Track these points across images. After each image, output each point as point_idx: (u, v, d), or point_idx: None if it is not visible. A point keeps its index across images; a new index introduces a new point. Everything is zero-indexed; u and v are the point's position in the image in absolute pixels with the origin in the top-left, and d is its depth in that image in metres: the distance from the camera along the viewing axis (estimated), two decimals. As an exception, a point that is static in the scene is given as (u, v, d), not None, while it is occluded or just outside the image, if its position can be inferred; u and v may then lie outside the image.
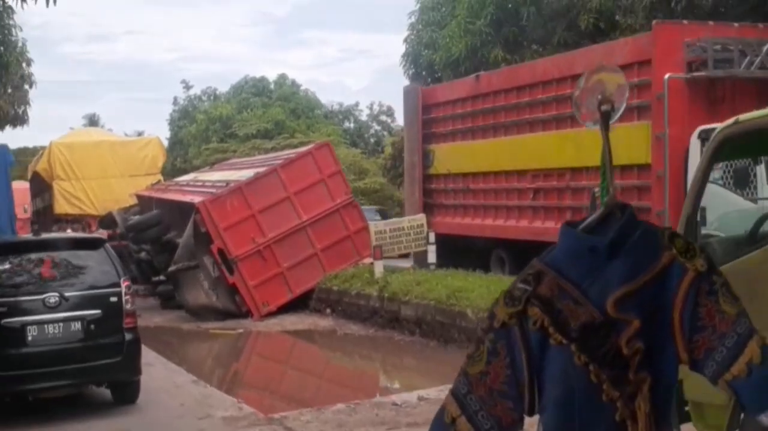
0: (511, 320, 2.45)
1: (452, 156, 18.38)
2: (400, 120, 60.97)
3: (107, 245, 10.74)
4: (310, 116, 56.36)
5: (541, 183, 15.86)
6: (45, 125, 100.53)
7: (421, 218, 18.16)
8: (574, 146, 14.76)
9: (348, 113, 62.12)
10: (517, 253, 17.04)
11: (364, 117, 61.93)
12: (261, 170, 19.83)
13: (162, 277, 24.00)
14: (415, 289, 15.80)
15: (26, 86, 28.53)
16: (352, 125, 60.93)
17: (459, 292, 14.50)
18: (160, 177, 28.78)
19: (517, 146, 16.39)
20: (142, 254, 23.95)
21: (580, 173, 14.80)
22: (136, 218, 22.46)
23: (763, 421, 2.33)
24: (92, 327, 9.57)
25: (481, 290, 14.39)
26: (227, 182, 19.94)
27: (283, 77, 57.93)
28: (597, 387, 2.35)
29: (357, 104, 62.12)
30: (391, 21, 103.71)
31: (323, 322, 18.04)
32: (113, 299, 9.82)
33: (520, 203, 16.53)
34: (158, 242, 21.84)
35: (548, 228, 15.09)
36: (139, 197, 25.64)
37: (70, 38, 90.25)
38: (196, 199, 19.58)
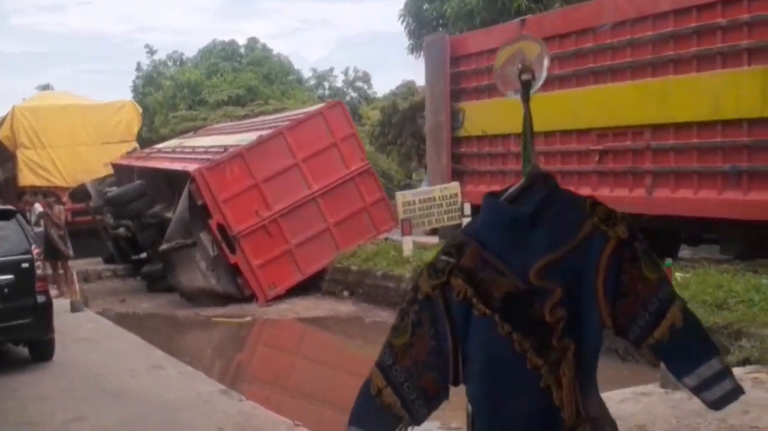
0: (434, 292, 2.47)
1: (489, 115, 15.92)
2: (377, 86, 58.45)
3: (18, 215, 11.33)
4: (284, 82, 53.57)
5: (610, 144, 13.47)
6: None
7: (454, 186, 15.76)
8: (657, 99, 12.40)
9: (322, 78, 59.32)
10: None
11: (339, 83, 59.20)
12: (264, 132, 17.25)
13: (143, 255, 21.60)
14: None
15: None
16: (326, 92, 58.14)
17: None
18: (135, 145, 26.11)
19: (578, 101, 13.97)
20: (121, 230, 21.43)
21: (666, 131, 12.44)
22: (116, 189, 19.82)
23: (687, 383, 2.42)
24: (6, 290, 10.27)
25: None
26: (225, 147, 17.36)
27: (253, 41, 54.93)
28: (521, 356, 2.38)
29: (331, 70, 59.32)
30: None
31: (343, 307, 15.63)
32: (25, 265, 10.54)
33: (580, 167, 14.15)
34: (142, 217, 19.25)
35: (619, 197, 12.73)
36: (116, 166, 22.99)
37: (20, 10, 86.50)
38: (191, 166, 17.00)
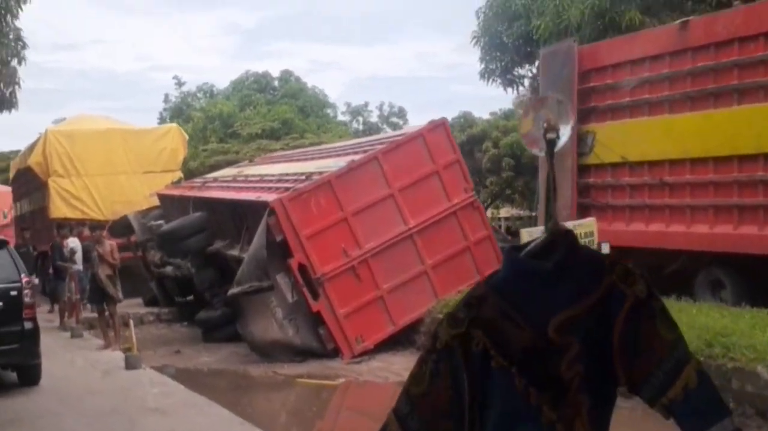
0: (454, 342, 2.46)
1: (630, 138, 13.27)
2: (412, 121, 56.03)
3: (9, 245, 11.90)
4: (320, 115, 51.31)
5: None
6: (12, 134, 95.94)
7: (589, 223, 12.99)
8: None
9: (356, 113, 56.99)
10: (745, 273, 12.00)
11: (373, 118, 56.86)
12: (354, 158, 14.61)
13: (190, 298, 19.00)
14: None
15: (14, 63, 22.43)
16: (361, 127, 55.77)
17: (723, 335, 9.43)
18: (180, 175, 23.53)
19: (751, 120, 11.35)
20: (168, 269, 18.80)
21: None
22: (170, 223, 17.11)
23: None
24: None
25: (754, 332, 9.43)
26: (307, 175, 14.70)
27: (287, 73, 52.76)
28: (537, 409, 2.38)
29: (366, 105, 57.00)
30: (359, 33, 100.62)
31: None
32: (13, 293, 11.16)
33: (750, 201, 11.50)
34: (200, 255, 16.59)
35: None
36: (162, 197, 20.37)
37: (35, 46, 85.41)
38: (268, 196, 14.35)
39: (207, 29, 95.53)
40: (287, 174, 15.95)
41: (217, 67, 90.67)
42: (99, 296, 14.55)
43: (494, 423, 2.45)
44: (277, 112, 48.04)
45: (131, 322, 13.71)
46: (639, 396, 2.44)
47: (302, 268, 13.78)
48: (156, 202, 20.86)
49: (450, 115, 38.70)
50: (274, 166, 18.87)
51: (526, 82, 26.41)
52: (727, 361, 9.07)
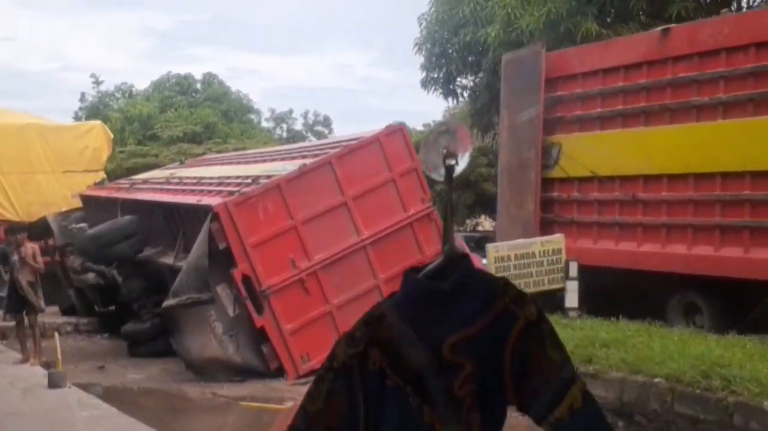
0: (351, 361, 2.50)
1: (599, 151, 12.60)
2: (338, 131, 55.01)
3: None
4: (244, 121, 49.92)
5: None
6: None
7: (557, 240, 12.29)
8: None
9: (280, 120, 55.70)
10: (723, 298, 11.38)
11: (298, 126, 55.65)
12: (306, 161, 13.56)
13: (112, 308, 17.66)
14: (601, 352, 9.94)
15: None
16: (285, 134, 54.50)
17: (720, 365, 8.72)
18: (103, 175, 22.08)
19: (737, 136, 10.77)
20: (90, 276, 17.34)
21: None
22: (99, 227, 15.75)
23: None
24: None
25: (754, 364, 8.76)
26: (254, 178, 13.59)
27: (210, 76, 51.24)
28: (430, 428, 2.44)
29: (290, 112, 55.76)
30: (278, 43, 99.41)
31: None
32: None
33: (735, 221, 10.91)
34: (129, 262, 15.31)
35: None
36: (85, 198, 18.93)
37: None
38: (210, 200, 13.18)
39: (122, 31, 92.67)
40: (228, 177, 14.81)
41: (131, 69, 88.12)
42: (18, 305, 13.15)
43: None
44: (199, 115, 46.54)
45: (56, 335, 12.35)
46: (528, 415, 2.50)
47: (246, 279, 12.67)
48: (78, 203, 19.37)
49: (378, 126, 37.94)
50: (210, 168, 17.66)
51: (466, 93, 25.86)
52: (728, 394, 8.35)
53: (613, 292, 12.43)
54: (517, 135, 13.90)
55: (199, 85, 51.32)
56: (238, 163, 17.21)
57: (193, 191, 14.89)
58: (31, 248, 13.25)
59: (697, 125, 11.33)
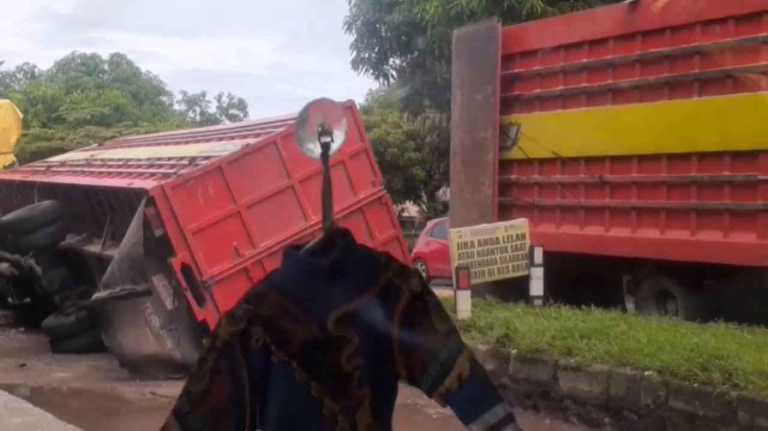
0: (233, 340, 2.50)
1: (562, 131, 11.94)
2: (253, 114, 53.64)
3: None
4: (155, 103, 48.26)
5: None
6: None
7: (521, 224, 11.63)
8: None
9: (193, 103, 54.17)
10: (699, 284, 10.92)
11: (212, 109, 54.21)
12: (249, 141, 12.56)
13: (27, 300, 16.39)
14: (581, 344, 9.32)
15: None
16: (198, 118, 52.97)
17: (719, 357, 8.17)
18: (13, 158, 20.56)
19: (715, 113, 10.25)
20: (2, 266, 15.98)
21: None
22: (16, 213, 14.44)
23: (473, 429, 2.50)
24: None
25: (758, 355, 8.24)
26: (189, 159, 12.54)
27: (119, 56, 49.37)
28: (318, 403, 2.47)
29: (204, 94, 54.24)
30: (181, 27, 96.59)
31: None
32: None
33: (713, 204, 10.42)
34: (49, 251, 14.06)
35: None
36: (-5, 182, 17.47)
37: None
38: (144, 183, 12.09)
39: (17, 13, 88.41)
40: (160, 158, 13.69)
41: (28, 52, 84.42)
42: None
43: (276, 418, 2.51)
44: (107, 97, 44.86)
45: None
46: (418, 387, 2.55)
47: (186, 269, 11.65)
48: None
49: (295, 108, 36.89)
50: (135, 149, 16.44)
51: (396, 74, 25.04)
52: (730, 388, 7.78)
53: (579, 279, 11.86)
54: (471, 115, 13.16)
55: (106, 66, 49.45)
56: (168, 143, 16.05)
57: (120, 173, 13.74)
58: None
59: (670, 103, 10.77)
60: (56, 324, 14.04)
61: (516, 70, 12.79)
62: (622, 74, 11.35)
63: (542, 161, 12.39)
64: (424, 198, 33.26)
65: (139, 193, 11.81)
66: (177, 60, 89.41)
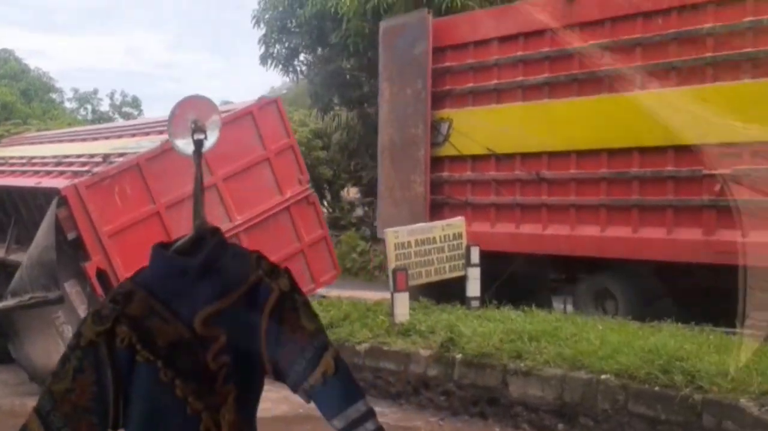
0: (98, 338, 2.50)
1: (496, 126, 11.57)
2: (148, 112, 52.07)
3: None
4: (45, 100, 46.30)
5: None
6: None
7: (458, 224, 11.21)
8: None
9: (84, 100, 52.23)
10: (639, 282, 10.71)
11: (104, 107, 52.37)
12: (164, 137, 11.78)
13: None
14: (530, 347, 8.96)
15: None
16: (90, 116, 51.08)
17: (678, 359, 7.91)
18: None
19: (658, 107, 10.03)
20: None
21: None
22: None
23: (335, 425, 2.57)
24: None
25: (719, 356, 8.02)
26: (103, 156, 11.70)
27: (7, 52, 47.17)
28: (182, 401, 2.48)
29: (95, 92, 52.34)
30: (65, 23, 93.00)
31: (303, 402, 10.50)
32: None
33: (656, 200, 10.22)
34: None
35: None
36: None
37: None
38: (54, 182, 11.21)
39: None
40: (68, 156, 12.76)
41: None
42: None
43: (141, 417, 2.51)
44: (-6, 94, 42.68)
45: None
46: (283, 382, 2.58)
47: (101, 274, 10.83)
48: None
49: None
50: (38, 147, 15.36)
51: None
52: (693, 391, 7.52)
53: (512, 279, 11.53)
54: (400, 110, 12.69)
55: (-7, 62, 47.19)
56: (74, 140, 15.03)
57: (25, 172, 12.76)
58: None
59: (610, 97, 10.52)
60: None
61: (447, 64, 12.39)
62: (559, 67, 11.07)
63: (476, 158, 12.03)
64: (329, 197, 32.75)
65: (50, 193, 10.92)
66: (63, 58, 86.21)
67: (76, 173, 11.37)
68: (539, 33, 11.25)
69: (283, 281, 2.57)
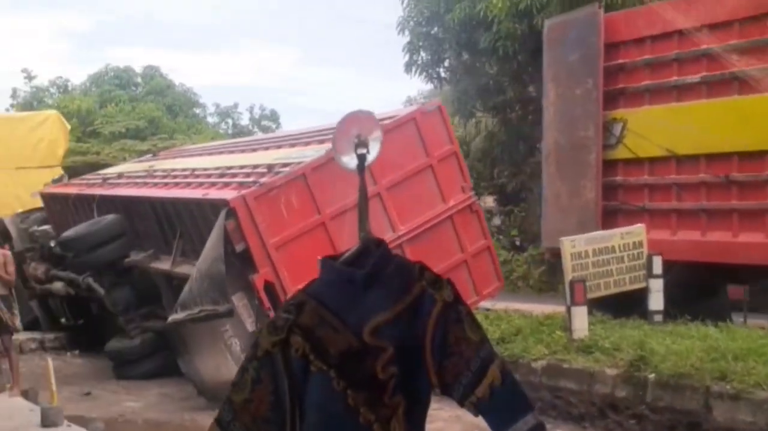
0: (274, 349, 2.55)
1: (676, 126, 10.85)
2: (286, 125, 52.78)
3: None
4: (189, 115, 47.41)
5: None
6: None
7: (638, 231, 10.53)
8: None
9: (225, 114, 53.31)
10: None
11: (244, 121, 53.31)
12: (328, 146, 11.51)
13: (81, 321, 15.55)
14: (736, 367, 8.18)
15: None
16: (230, 130, 52.06)
17: None
18: (61, 171, 19.65)
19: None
20: (57, 285, 15.11)
21: None
22: (78, 228, 13.46)
23: None
24: None
25: None
26: (268, 167, 11.53)
27: (152, 68, 48.57)
28: (355, 411, 2.48)
29: (236, 106, 53.34)
30: (189, 40, 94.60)
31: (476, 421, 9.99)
32: None
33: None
34: (114, 268, 13.11)
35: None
36: (48, 197, 16.57)
37: None
38: (222, 193, 11.09)
39: (39, 33, 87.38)
40: (231, 167, 12.67)
41: (48, 74, 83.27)
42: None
43: (315, 427, 2.53)
44: (142, 110, 43.98)
45: (49, 360, 10.05)
46: (450, 396, 2.56)
47: (269, 287, 10.62)
48: (36, 203, 17.00)
49: (319, 120, 35.97)
50: (198, 159, 15.42)
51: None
52: None
53: (697, 291, 10.73)
54: (568, 111, 12.07)
55: (139, 79, 48.72)
56: (233, 152, 15.02)
57: (189, 183, 12.74)
58: (1, 255, 10.97)
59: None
60: (121, 347, 13.09)
61: (621, 61, 11.72)
62: (751, 60, 10.21)
63: (654, 160, 11.29)
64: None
65: (217, 204, 10.81)
66: (195, 76, 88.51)
67: (241, 184, 11.22)
68: (726, 24, 10.43)
69: (447, 292, 2.56)
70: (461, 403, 2.53)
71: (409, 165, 11.58)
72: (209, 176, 12.64)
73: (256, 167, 11.95)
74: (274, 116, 53.74)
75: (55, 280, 15.20)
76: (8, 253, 11.16)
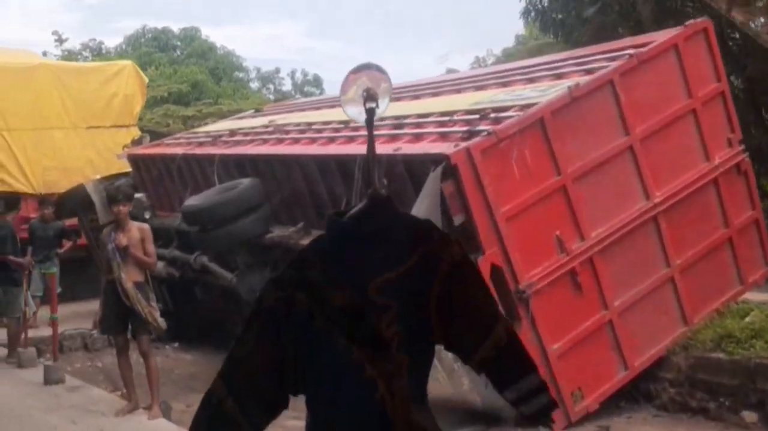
0: (278, 304, 2.56)
1: None
2: (329, 90, 49.89)
3: None
4: (233, 79, 44.62)
5: None
6: None
7: None
8: None
9: (267, 80, 50.56)
10: None
11: (287, 86, 50.57)
12: (576, 81, 8.50)
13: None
14: None
15: None
16: (272, 96, 49.24)
17: None
18: (138, 131, 16.76)
19: None
20: (158, 267, 12.18)
21: None
22: (206, 195, 10.55)
23: (507, 397, 2.63)
24: None
25: None
26: (480, 113, 8.54)
27: (192, 30, 45.72)
28: (358, 367, 2.49)
29: (277, 71, 50.54)
30: (209, 14, 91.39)
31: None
32: None
33: None
34: (252, 246, 10.28)
35: None
36: (139, 158, 13.75)
37: None
38: (435, 146, 8.13)
39: (46, 5, 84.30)
40: (419, 115, 9.59)
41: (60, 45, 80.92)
42: (120, 319, 8.02)
43: (318, 381, 2.56)
44: (184, 73, 41.11)
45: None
46: (455, 353, 2.65)
47: (495, 272, 7.76)
48: (122, 167, 14.14)
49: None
50: (333, 111, 12.37)
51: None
52: None
53: None
54: None
55: (178, 42, 45.94)
56: (402, 99, 11.72)
57: (353, 138, 9.73)
58: (137, 229, 8.10)
59: None
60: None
61: None
62: None
63: None
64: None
65: (425, 160, 7.90)
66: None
67: (441, 135, 8.33)
68: None
69: (455, 250, 2.55)
70: (465, 361, 2.61)
71: (668, 109, 8.69)
72: (393, 126, 9.54)
73: (452, 113, 9.00)
74: (317, 81, 51.06)
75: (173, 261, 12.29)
76: (146, 227, 8.27)
